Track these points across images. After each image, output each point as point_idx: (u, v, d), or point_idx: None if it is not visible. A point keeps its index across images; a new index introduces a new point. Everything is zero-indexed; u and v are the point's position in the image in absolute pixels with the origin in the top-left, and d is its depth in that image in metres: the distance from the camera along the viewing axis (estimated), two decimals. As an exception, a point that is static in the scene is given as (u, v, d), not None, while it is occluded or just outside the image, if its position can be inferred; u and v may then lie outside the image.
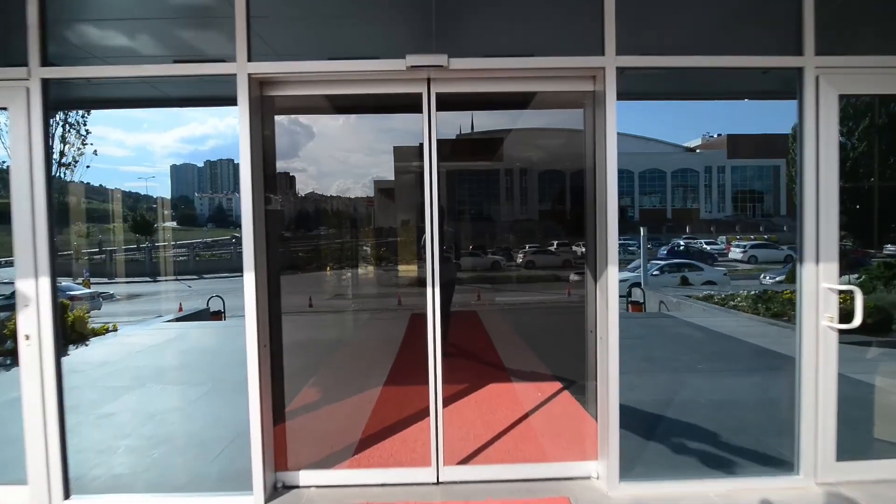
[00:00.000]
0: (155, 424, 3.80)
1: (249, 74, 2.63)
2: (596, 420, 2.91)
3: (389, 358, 5.36)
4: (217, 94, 4.37)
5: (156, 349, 6.48)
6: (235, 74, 2.62)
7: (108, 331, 7.67)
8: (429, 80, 2.78)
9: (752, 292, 9.52)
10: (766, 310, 8.17)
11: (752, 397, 4.05)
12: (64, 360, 5.86)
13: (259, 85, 2.76)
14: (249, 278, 2.63)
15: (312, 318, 11.11)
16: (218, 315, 10.52)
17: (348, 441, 3.40)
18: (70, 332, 6.77)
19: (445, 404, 3.11)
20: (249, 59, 2.63)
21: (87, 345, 6.61)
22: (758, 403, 3.91)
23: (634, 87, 3.39)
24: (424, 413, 3.05)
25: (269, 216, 2.86)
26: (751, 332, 6.65)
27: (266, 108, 2.87)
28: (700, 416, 3.69)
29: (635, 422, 3.47)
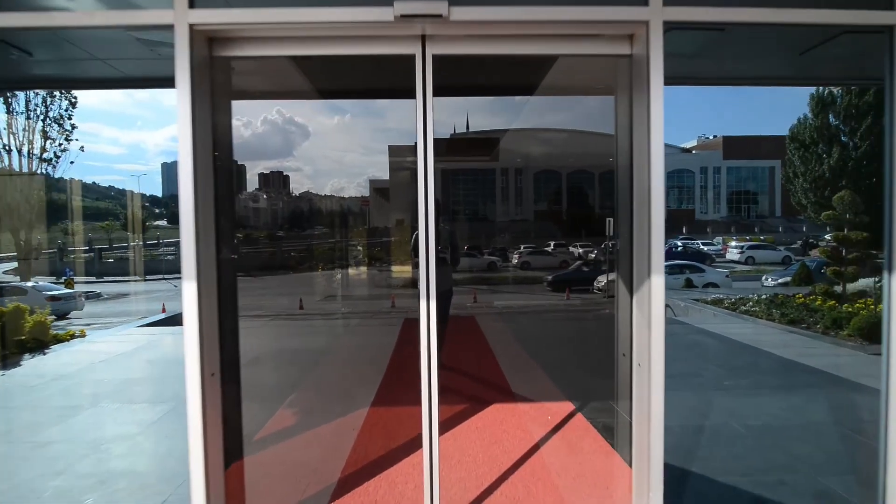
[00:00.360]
0: (97, 458, 3.17)
1: (191, 25, 2.01)
2: (628, 463, 2.32)
3: (379, 370, 4.77)
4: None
5: (122, 359, 5.82)
6: (172, 25, 2.01)
7: (73, 336, 7.00)
8: (424, 38, 2.17)
9: (764, 296, 9.01)
10: (781, 316, 7.65)
11: (795, 423, 3.49)
12: (13, 371, 5.18)
13: (206, 42, 2.15)
14: (190, 290, 2.01)
15: (301, 323, 10.46)
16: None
17: (325, 481, 2.79)
18: (28, 339, 6.12)
19: (441, 431, 2.53)
20: (191, 6, 2.02)
21: (45, 354, 5.96)
22: (805, 431, 3.35)
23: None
24: (416, 443, 2.46)
25: (222, 213, 2.26)
26: (772, 340, 6.11)
27: (219, 76, 2.26)
28: (742, 447, 3.12)
29: (665, 455, 2.90)
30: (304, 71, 4.06)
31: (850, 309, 6.95)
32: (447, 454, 3.04)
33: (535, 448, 3.15)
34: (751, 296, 9.37)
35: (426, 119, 2.17)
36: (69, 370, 5.25)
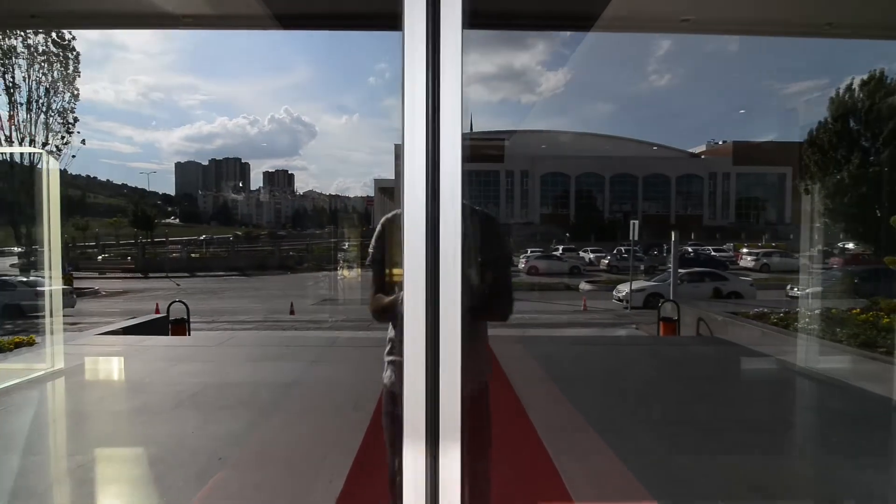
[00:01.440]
0: None
1: None
2: None
3: (361, 422, 3.22)
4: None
5: (49, 383, 4.31)
6: None
7: (15, 346, 5.52)
8: None
9: (817, 311, 7.38)
10: (849, 336, 6.02)
11: None
12: None
13: None
14: None
15: (282, 335, 8.93)
16: (181, 327, 7.63)
17: None
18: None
19: None
20: None
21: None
22: None
23: None
24: None
25: None
26: (869, 372, 4.49)
27: None
28: None
29: None
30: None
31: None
32: None
33: None
34: (801, 310, 7.74)
35: None
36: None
